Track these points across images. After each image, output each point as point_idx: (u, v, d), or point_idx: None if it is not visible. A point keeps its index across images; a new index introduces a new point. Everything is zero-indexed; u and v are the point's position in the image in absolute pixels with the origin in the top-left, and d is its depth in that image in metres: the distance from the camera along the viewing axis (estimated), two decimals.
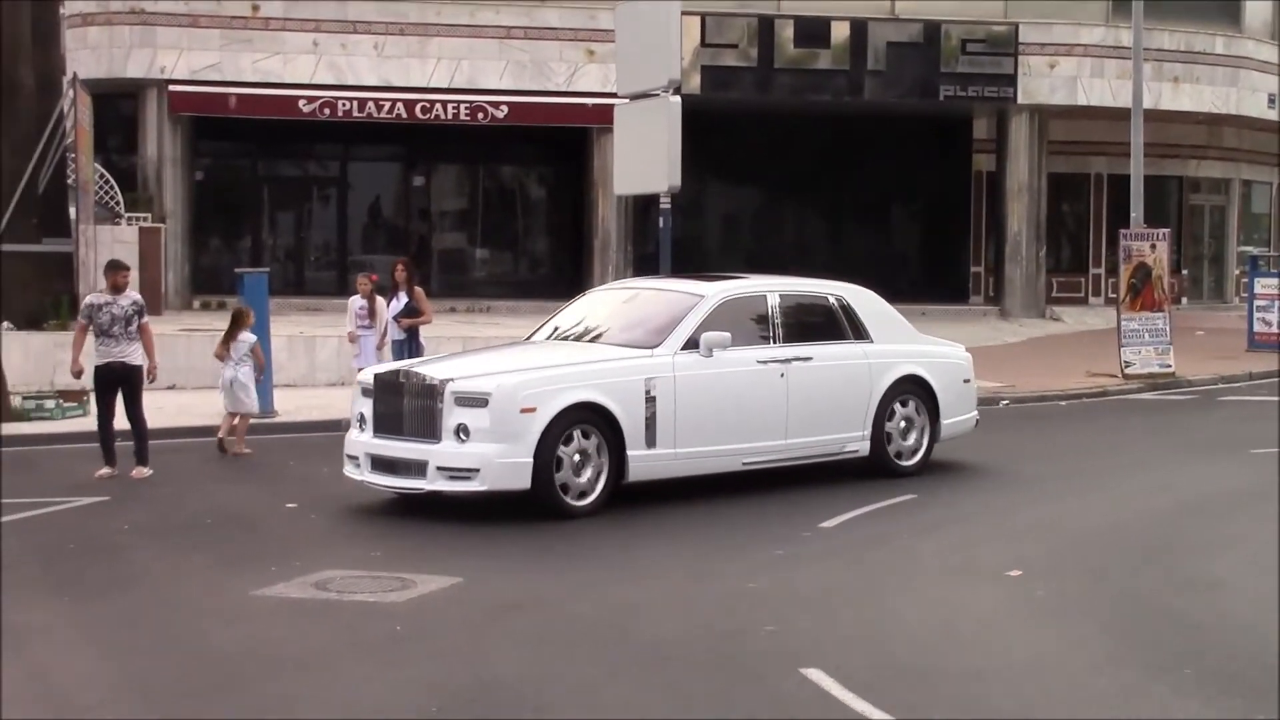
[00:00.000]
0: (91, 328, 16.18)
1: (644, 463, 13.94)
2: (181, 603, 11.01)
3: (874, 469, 15.69)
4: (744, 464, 14.84)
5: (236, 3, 32.34)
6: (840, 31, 35.11)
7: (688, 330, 14.44)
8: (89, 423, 17.17)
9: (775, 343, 15.14)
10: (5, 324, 23.89)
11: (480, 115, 33.03)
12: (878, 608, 10.79)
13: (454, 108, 32.90)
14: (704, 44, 34.22)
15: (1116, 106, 33.74)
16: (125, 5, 32.31)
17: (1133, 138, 26.96)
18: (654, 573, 11.97)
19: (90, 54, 32.35)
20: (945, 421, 16.17)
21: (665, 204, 21.93)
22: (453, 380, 13.46)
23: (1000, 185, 37.16)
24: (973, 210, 39.31)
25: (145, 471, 16.15)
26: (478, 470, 13.15)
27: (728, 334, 14.40)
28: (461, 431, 13.22)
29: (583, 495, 13.61)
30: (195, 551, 12.71)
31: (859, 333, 15.88)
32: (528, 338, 16.37)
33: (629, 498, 14.18)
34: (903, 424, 15.87)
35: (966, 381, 16.69)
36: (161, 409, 19.27)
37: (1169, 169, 40.53)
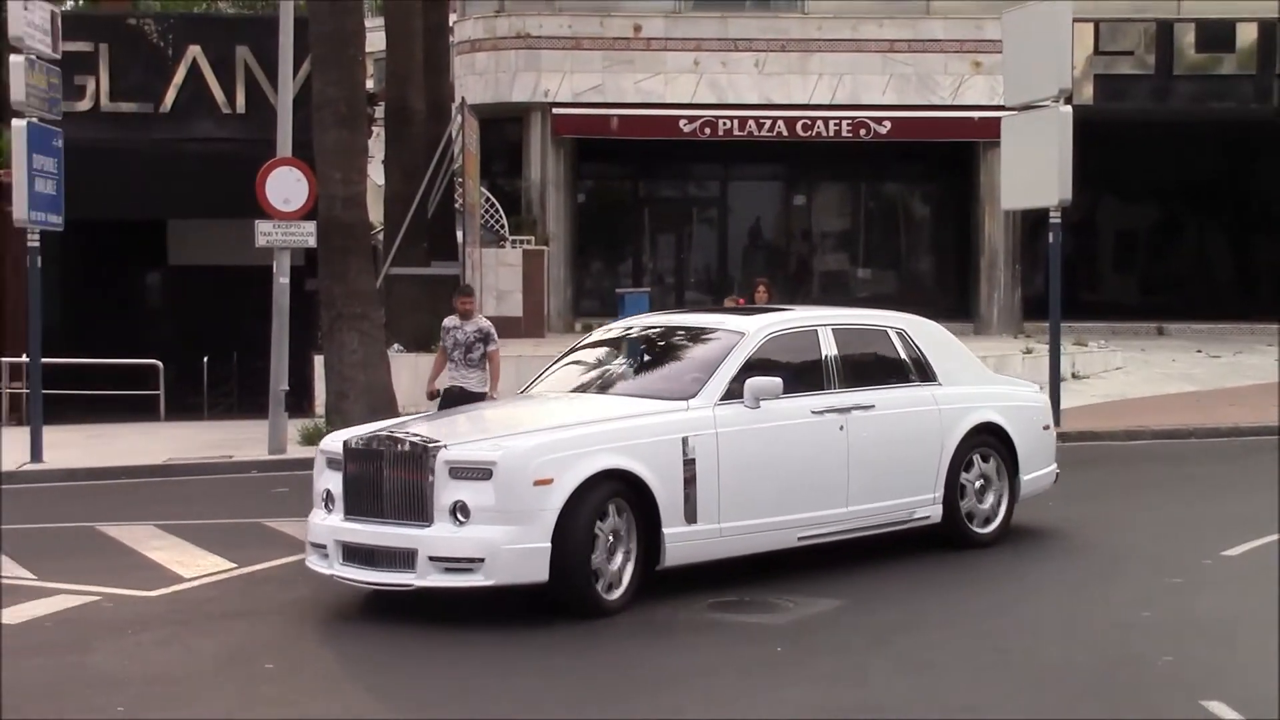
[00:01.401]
0: None
1: (683, 543, 11.46)
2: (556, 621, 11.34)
3: (946, 539, 13.36)
4: (799, 539, 12.32)
5: (619, 23, 33.07)
6: (1246, 34, 33.97)
7: (728, 375, 12.05)
8: None
9: (831, 388, 12.65)
10: (395, 346, 24.94)
11: (863, 131, 33.00)
12: None
13: (836, 124, 32.96)
14: (1097, 52, 33.55)
15: None
16: (511, 30, 33.35)
17: None
18: (1040, 598, 11.87)
19: (478, 79, 33.51)
20: (1025, 477, 13.84)
21: (1055, 219, 21.64)
22: (445, 446, 10.98)
23: None
24: None
25: None
26: (482, 560, 10.66)
27: (778, 379, 12.03)
28: (459, 511, 10.76)
29: (611, 587, 11.12)
30: None
31: (924, 373, 13.44)
32: (523, 390, 13.92)
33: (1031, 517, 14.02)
34: (979, 483, 13.47)
35: (1046, 428, 14.41)
36: None
37: None
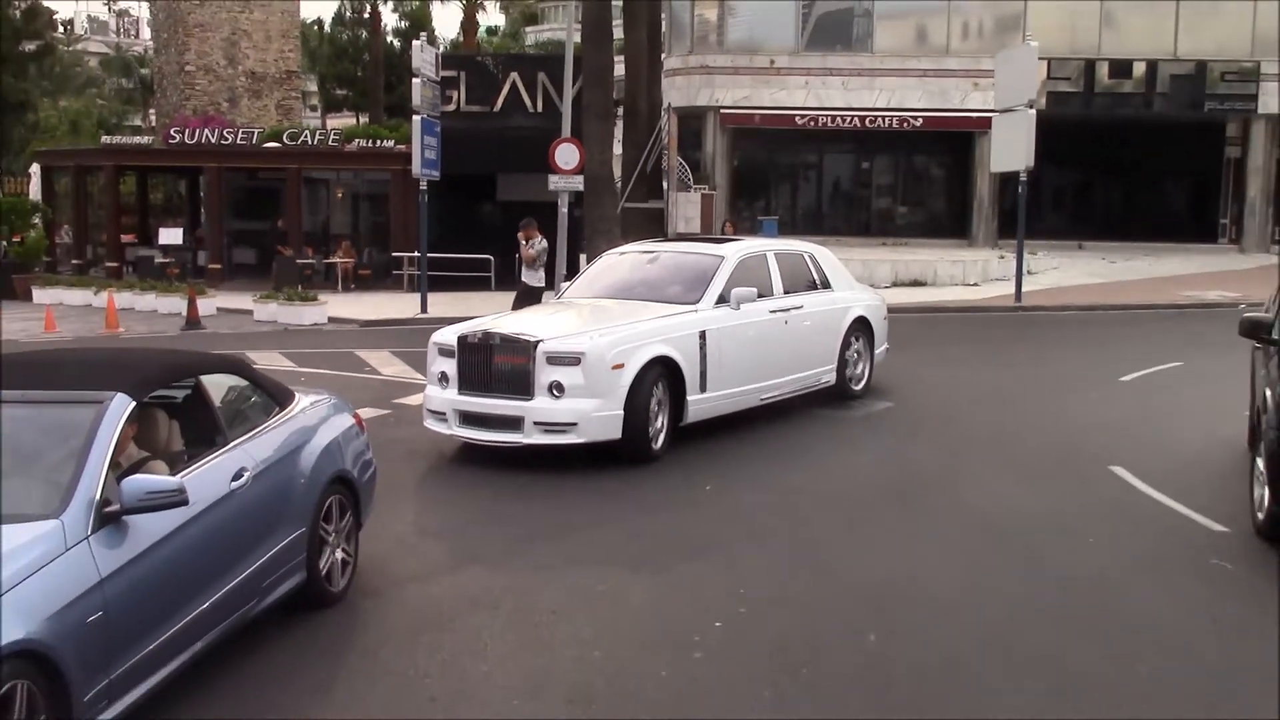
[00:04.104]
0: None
1: (698, 405, 9.67)
2: None
3: (837, 394, 11.45)
4: (760, 399, 10.46)
5: (761, 59, 32.06)
6: (1139, 68, 32.01)
7: (719, 287, 10.16)
8: None
9: (776, 295, 10.75)
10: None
11: (905, 124, 31.82)
12: (1165, 430, 9.99)
13: (888, 120, 31.80)
14: (1049, 77, 31.80)
15: None
16: (697, 63, 32.51)
17: None
18: (1022, 405, 11.41)
19: (677, 92, 32.74)
20: (877, 351, 12.02)
21: (1023, 178, 20.83)
22: (543, 341, 9.02)
23: (1243, 167, 33.34)
24: (1223, 185, 35.31)
25: None
26: (575, 424, 8.85)
27: (754, 289, 10.29)
28: (555, 388, 8.88)
29: (653, 440, 9.21)
30: None
31: (825, 283, 11.54)
32: (558, 297, 11.65)
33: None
34: (855, 356, 11.66)
35: (885, 319, 12.34)
36: None
37: None
